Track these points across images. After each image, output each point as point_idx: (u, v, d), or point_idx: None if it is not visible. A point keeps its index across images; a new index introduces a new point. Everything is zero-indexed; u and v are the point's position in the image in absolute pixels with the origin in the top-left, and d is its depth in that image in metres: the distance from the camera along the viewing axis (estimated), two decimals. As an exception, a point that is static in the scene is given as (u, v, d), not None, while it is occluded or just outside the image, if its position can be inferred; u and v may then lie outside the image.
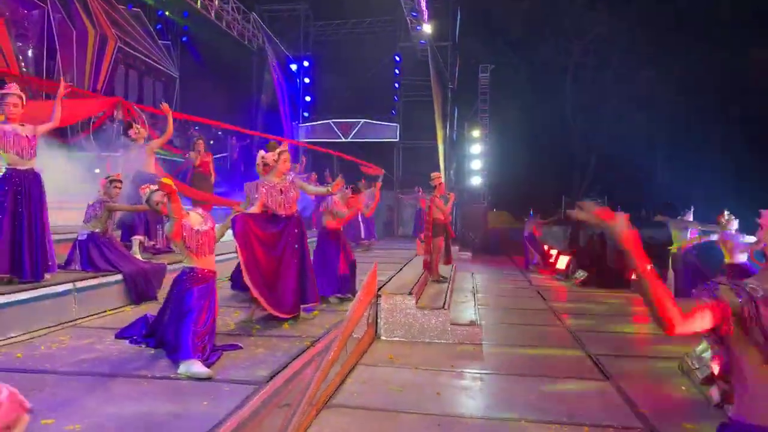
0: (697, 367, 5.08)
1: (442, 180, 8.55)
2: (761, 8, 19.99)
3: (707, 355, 5.17)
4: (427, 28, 16.06)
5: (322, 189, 5.74)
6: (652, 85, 21.05)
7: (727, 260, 7.97)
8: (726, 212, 8.63)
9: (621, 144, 22.25)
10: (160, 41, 15.58)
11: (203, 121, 9.40)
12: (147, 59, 14.95)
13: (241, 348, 4.00)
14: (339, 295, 6.46)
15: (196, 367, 3.37)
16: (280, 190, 5.06)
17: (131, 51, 14.22)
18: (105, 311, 5.19)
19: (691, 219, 9.58)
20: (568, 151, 23.44)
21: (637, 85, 21.25)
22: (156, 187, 4.05)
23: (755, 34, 19.87)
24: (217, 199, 9.98)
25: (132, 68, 14.66)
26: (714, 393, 4.50)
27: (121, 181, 6.14)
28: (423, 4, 14.81)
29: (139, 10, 14.93)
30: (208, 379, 3.32)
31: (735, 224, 8.27)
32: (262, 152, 6.55)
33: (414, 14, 15.03)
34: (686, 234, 9.41)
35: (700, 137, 21.44)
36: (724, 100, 20.73)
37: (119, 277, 5.52)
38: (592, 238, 18.79)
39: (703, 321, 1.73)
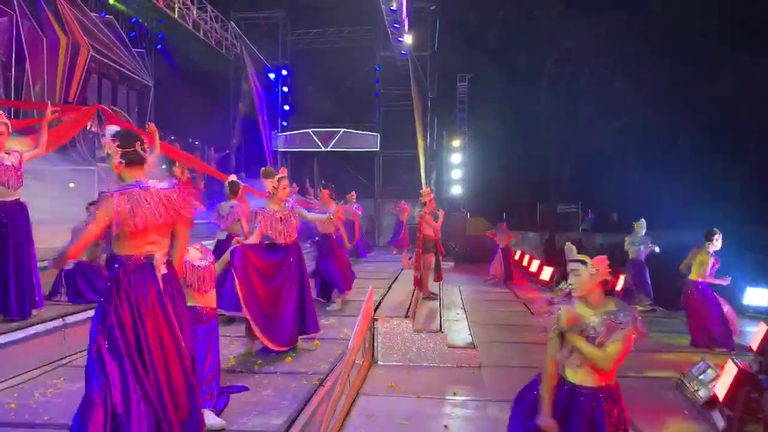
0: (696, 389, 5.14)
1: (432, 196, 8.52)
2: (729, 20, 20.64)
3: (705, 377, 5.24)
4: (408, 39, 16.05)
5: (322, 216, 5.63)
6: (624, 94, 21.47)
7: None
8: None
9: (594, 151, 22.67)
10: (134, 49, 15.18)
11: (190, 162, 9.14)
12: (121, 68, 14.54)
13: (248, 389, 3.86)
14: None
15: (208, 417, 3.22)
16: (280, 218, 4.92)
17: (104, 59, 13.80)
18: (95, 346, 4.96)
19: (643, 232, 9.95)
20: (543, 158, 23.72)
21: (609, 94, 21.63)
22: None
23: (723, 45, 20.48)
24: (206, 166, 9.82)
25: (105, 77, 14.24)
26: (718, 419, 4.54)
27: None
28: (404, 16, 14.78)
29: (112, 17, 14.51)
30: (221, 430, 3.17)
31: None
32: (232, 177, 6.57)
33: (396, 26, 14.99)
34: (639, 248, 9.89)
35: (669, 145, 22.01)
36: (692, 109, 21.30)
37: (109, 308, 5.28)
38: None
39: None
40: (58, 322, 4.66)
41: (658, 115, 21.25)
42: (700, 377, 5.25)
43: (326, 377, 4.14)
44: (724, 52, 20.18)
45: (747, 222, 18.95)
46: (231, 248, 4.66)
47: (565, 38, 21.44)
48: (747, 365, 4.85)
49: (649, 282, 9.95)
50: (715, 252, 7.10)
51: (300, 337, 5.08)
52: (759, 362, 5.38)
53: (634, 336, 2.65)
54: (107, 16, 14.39)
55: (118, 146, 2.81)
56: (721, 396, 4.58)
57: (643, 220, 10.18)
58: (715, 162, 20.88)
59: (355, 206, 13.30)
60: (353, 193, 13.64)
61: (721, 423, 4.44)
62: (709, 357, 5.58)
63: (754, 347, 5.79)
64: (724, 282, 7.13)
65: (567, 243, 2.91)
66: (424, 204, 8.36)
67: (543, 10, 21.23)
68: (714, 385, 4.84)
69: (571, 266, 2.80)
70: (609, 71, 21.49)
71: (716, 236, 7.09)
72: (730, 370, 4.63)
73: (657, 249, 9.94)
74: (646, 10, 21.09)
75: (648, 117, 21.45)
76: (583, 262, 2.76)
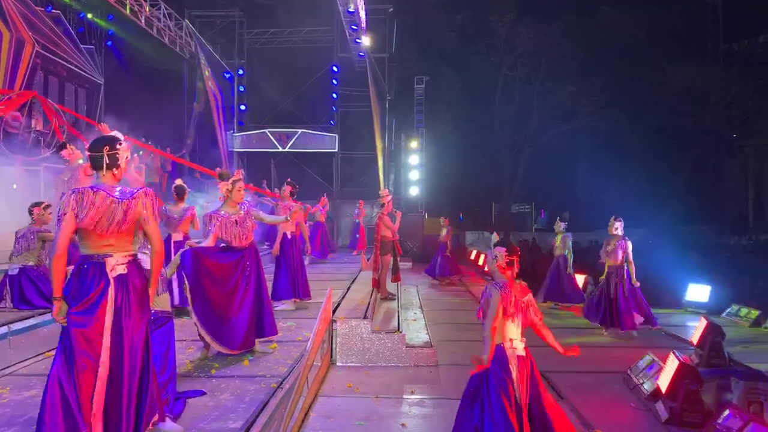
0: (641, 382, 5.38)
1: (391, 197, 8.60)
2: (673, 27, 21.63)
3: (650, 370, 5.49)
4: (366, 41, 16.09)
5: (280, 218, 5.60)
6: (574, 97, 22.20)
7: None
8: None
9: (546, 153, 23.34)
10: (82, 45, 14.66)
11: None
12: (68, 64, 14.03)
13: (205, 394, 3.81)
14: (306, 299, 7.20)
15: (164, 424, 3.17)
16: (236, 221, 4.87)
17: (51, 56, 13.30)
18: (44, 353, 4.79)
19: (561, 227, 10.22)
20: (497, 159, 24.27)
21: (560, 97, 22.32)
22: None
23: (667, 51, 21.45)
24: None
25: (52, 74, 13.70)
26: (661, 409, 4.77)
27: (50, 205, 5.75)
28: (362, 18, 14.82)
29: (59, 12, 13.97)
30: (178, 436, 3.14)
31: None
32: (178, 182, 6.77)
33: (353, 27, 15.00)
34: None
35: (617, 146, 22.86)
36: (638, 112, 22.20)
37: (57, 314, 5.11)
38: (525, 242, 19.55)
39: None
40: (3, 330, 4.49)
41: (606, 117, 22.04)
42: (645, 371, 5.50)
43: (284, 380, 4.13)
44: (669, 59, 21.12)
45: (688, 221, 19.93)
46: (181, 250, 4.59)
47: (519, 43, 21.96)
48: (688, 358, 5.11)
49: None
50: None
51: (257, 339, 5.04)
52: (699, 355, 5.68)
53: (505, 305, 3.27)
54: (54, 10, 13.85)
55: (87, 149, 2.95)
56: (664, 388, 4.81)
57: (558, 218, 10.43)
58: (660, 164, 21.84)
59: (321, 209, 13.25)
60: (324, 196, 13.64)
61: (664, 414, 4.66)
62: (654, 351, 5.83)
63: (695, 341, 6.09)
64: None
65: (494, 233, 3.49)
66: (383, 205, 8.43)
67: (497, 15, 21.68)
68: (657, 378, 5.07)
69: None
70: (560, 75, 22.13)
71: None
72: (672, 364, 4.86)
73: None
74: (595, 18, 21.87)
75: (596, 120, 22.21)
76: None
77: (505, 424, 3.09)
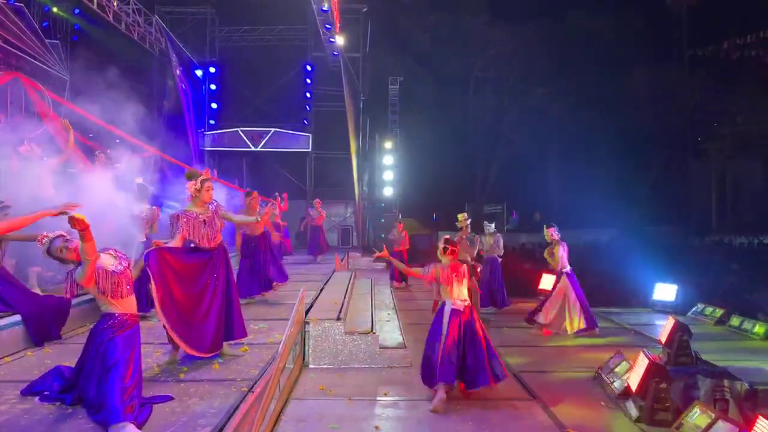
0: (612, 381, 5.44)
1: (469, 221, 8.63)
2: (642, 30, 22.10)
3: (620, 369, 5.57)
4: (340, 40, 16.00)
5: (250, 218, 5.49)
6: (545, 99, 22.50)
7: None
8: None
9: (518, 154, 23.61)
10: (47, 40, 14.22)
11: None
12: (32, 59, 13.60)
13: (172, 399, 3.70)
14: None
15: (129, 430, 3.07)
16: (204, 221, 4.75)
17: (13, 50, 12.87)
18: (2, 358, 4.60)
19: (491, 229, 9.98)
20: (470, 160, 24.45)
21: (532, 99, 22.61)
22: (54, 234, 3.56)
23: (637, 54, 21.90)
24: None
25: (14, 68, 13.26)
26: (631, 408, 4.84)
27: (10, 207, 5.53)
28: (336, 17, 14.73)
29: (22, 5, 13.54)
30: (143, 444, 3.03)
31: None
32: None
33: (327, 26, 14.89)
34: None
35: (586, 148, 23.25)
36: (608, 114, 22.62)
37: (17, 317, 4.92)
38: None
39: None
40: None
41: (576, 119, 22.39)
42: (616, 369, 5.57)
43: (255, 383, 4.04)
44: (637, 63, 21.57)
45: (655, 222, 20.39)
46: (146, 251, 4.46)
47: (492, 44, 22.16)
48: (657, 357, 5.19)
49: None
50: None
51: (228, 342, 4.94)
52: (667, 354, 5.78)
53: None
54: (17, 3, 13.41)
55: None
56: (634, 386, 4.88)
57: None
58: (629, 165, 22.28)
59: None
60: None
61: (634, 412, 4.73)
62: (623, 350, 5.91)
63: (663, 340, 6.20)
64: None
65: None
66: (460, 229, 8.49)
67: (470, 17, 21.85)
68: (627, 377, 5.14)
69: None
70: (531, 77, 22.41)
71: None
72: (642, 362, 4.93)
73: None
74: (566, 21, 22.20)
75: (566, 121, 22.55)
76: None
77: (442, 350, 4.86)
